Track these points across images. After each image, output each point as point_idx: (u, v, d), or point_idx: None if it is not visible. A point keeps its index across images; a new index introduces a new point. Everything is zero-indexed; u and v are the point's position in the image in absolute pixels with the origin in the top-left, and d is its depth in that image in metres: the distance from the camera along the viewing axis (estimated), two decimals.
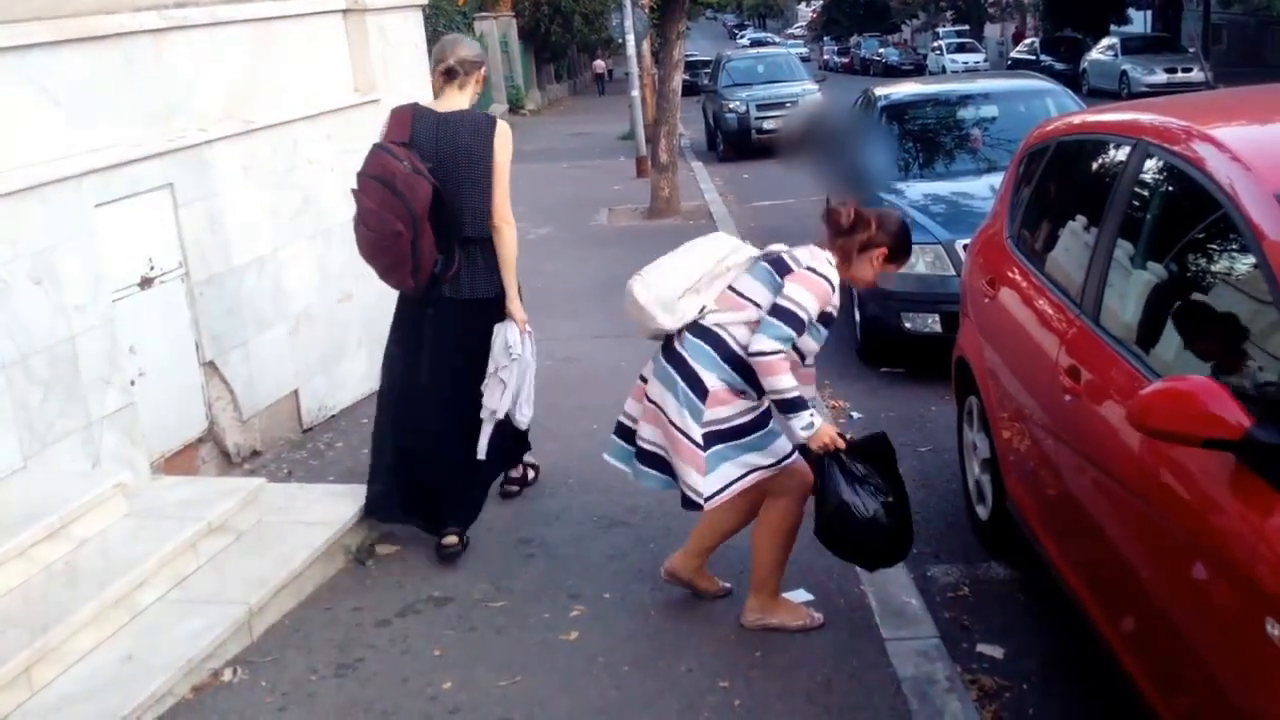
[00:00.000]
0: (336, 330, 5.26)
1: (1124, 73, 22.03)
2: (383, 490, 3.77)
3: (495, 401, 3.70)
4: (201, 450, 4.43)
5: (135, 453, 3.96)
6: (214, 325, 4.45)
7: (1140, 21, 29.70)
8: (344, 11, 5.46)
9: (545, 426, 4.71)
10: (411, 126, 3.60)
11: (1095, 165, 3.31)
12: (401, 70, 5.84)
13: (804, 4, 62.20)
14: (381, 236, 3.47)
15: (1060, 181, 3.57)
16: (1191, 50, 23.84)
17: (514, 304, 3.71)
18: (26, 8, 3.68)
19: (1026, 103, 7.02)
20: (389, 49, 5.72)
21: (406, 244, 3.45)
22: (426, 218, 3.46)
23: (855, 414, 5.11)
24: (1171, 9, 27.44)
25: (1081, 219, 3.21)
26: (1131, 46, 23.43)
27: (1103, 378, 2.63)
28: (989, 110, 7.12)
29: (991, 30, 39.25)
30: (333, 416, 5.19)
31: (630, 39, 13.95)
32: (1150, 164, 2.79)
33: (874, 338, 5.86)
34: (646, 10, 16.38)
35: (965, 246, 4.88)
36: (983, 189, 5.92)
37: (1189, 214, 2.57)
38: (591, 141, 19.35)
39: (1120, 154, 2.99)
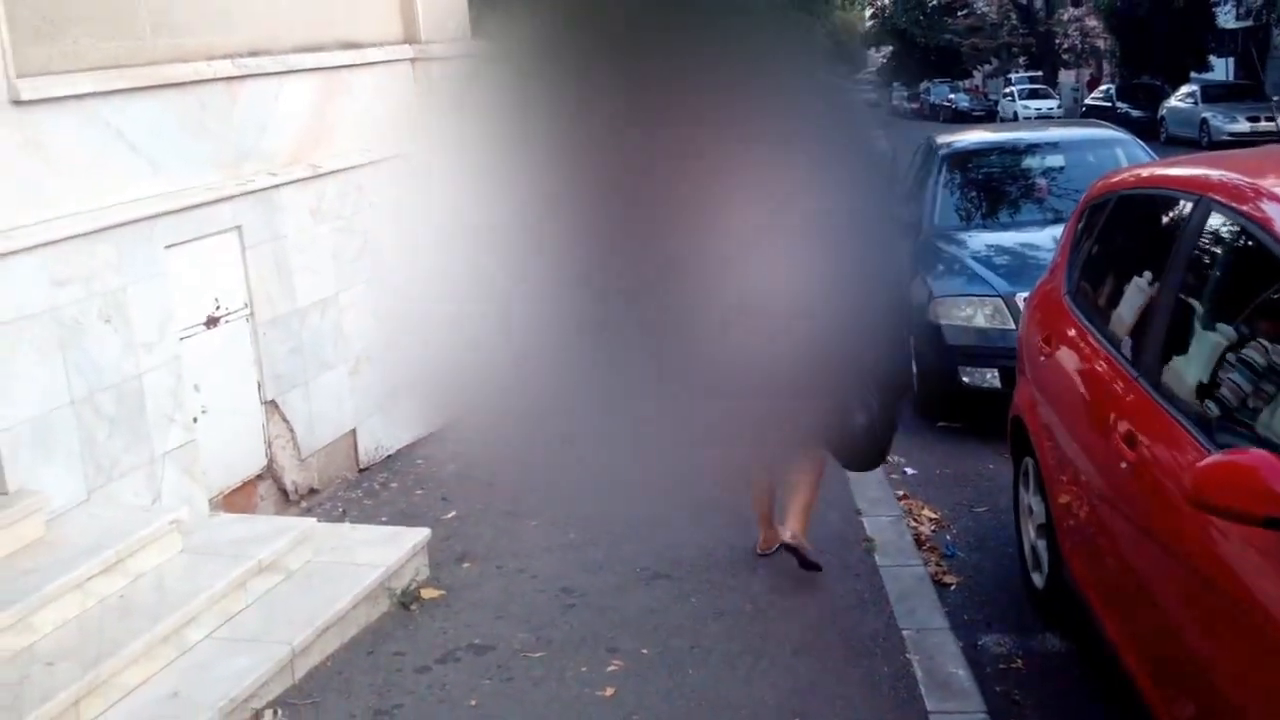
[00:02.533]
0: (393, 371, 5.35)
1: (1204, 121, 21.49)
2: None
3: None
4: (260, 487, 4.52)
5: (195, 489, 4.06)
6: (276, 365, 4.56)
7: (1222, 69, 29.01)
8: (411, 60, 5.61)
9: (586, 478, 4.70)
10: None
11: (1157, 221, 3.22)
12: None
13: (873, 49, 62.11)
14: None
15: (1121, 237, 3.48)
16: (1276, 98, 23.16)
17: None
18: (105, 56, 3.85)
19: (1095, 152, 6.88)
20: None
21: None
22: None
23: (909, 469, 5.01)
24: (1256, 55, 26.74)
25: (1141, 277, 3.12)
26: (1213, 94, 22.86)
27: (1160, 446, 2.54)
28: (1055, 159, 6.98)
29: (1066, 76, 38.67)
30: (389, 456, 5.26)
31: None
32: (1214, 222, 2.70)
33: (931, 392, 5.74)
34: None
35: (1026, 299, 4.78)
36: (1047, 240, 5.79)
37: (1253, 276, 2.47)
38: None
39: (1183, 211, 2.90)
